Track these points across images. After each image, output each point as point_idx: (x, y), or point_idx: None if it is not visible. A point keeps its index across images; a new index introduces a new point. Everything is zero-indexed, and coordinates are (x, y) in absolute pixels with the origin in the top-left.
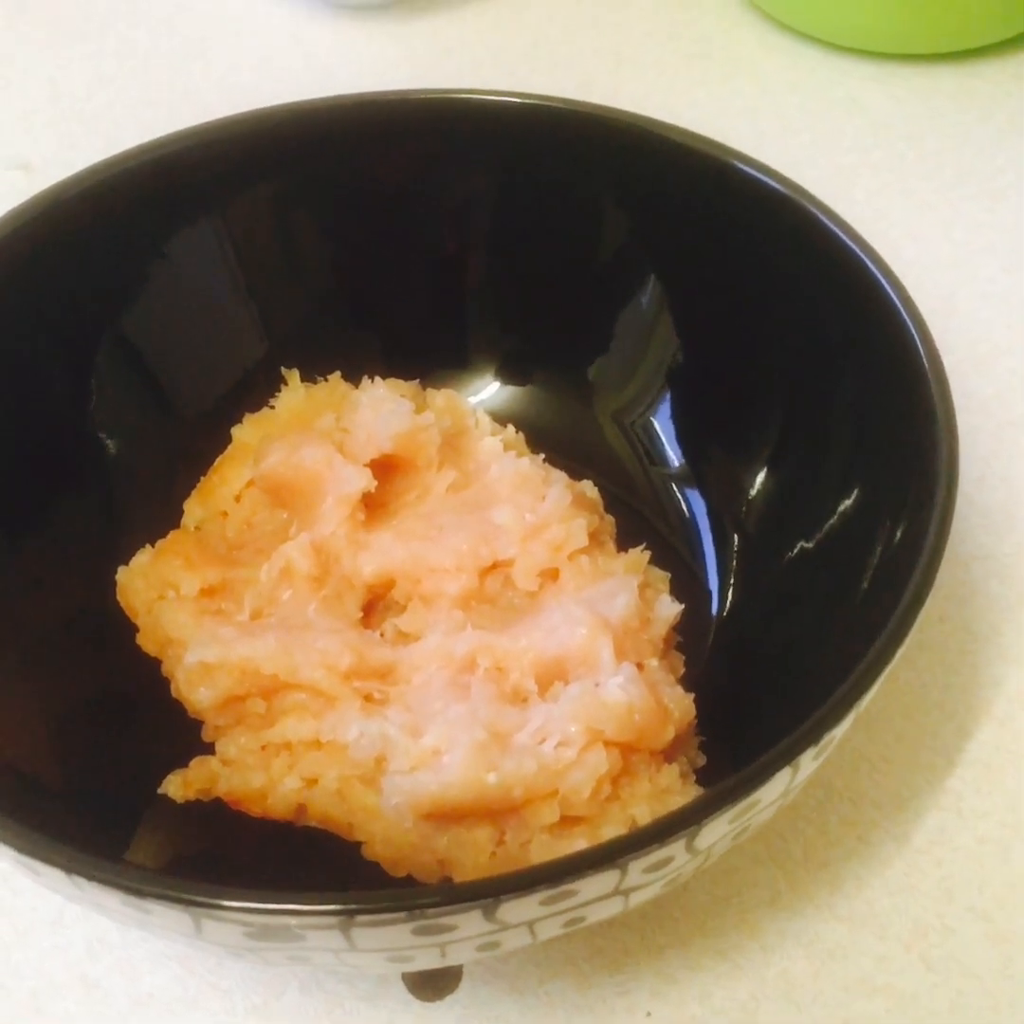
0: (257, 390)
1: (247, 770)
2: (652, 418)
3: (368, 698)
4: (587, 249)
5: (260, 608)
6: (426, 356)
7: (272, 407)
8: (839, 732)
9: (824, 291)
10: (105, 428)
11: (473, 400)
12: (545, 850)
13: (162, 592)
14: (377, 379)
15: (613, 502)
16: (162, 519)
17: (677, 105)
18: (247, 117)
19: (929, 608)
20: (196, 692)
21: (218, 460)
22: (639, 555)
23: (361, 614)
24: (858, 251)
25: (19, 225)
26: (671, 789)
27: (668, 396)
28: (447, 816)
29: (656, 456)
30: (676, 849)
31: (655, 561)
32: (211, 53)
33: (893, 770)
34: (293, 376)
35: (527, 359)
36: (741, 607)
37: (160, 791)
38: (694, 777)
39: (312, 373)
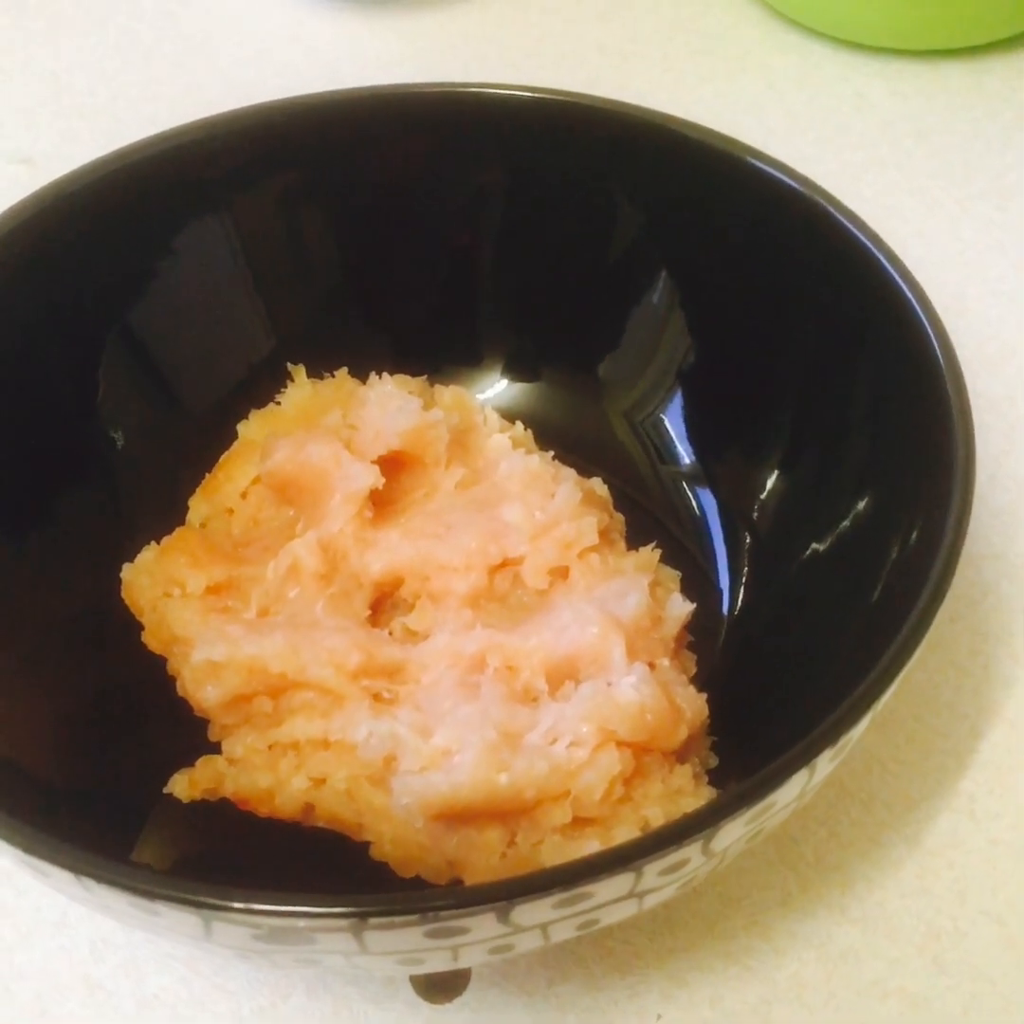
0: (263, 386)
1: (254, 770)
2: (662, 416)
3: (377, 697)
4: (598, 245)
5: (267, 606)
6: (434, 352)
7: (278, 403)
8: (856, 733)
9: (838, 289)
10: (110, 424)
11: (481, 397)
12: (556, 851)
13: (167, 590)
14: (384, 375)
15: (623, 500)
16: (167, 516)
17: (684, 101)
18: (255, 110)
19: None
20: (202, 690)
21: (224, 456)
22: (650, 553)
23: (369, 612)
24: (873, 249)
25: (24, 219)
26: (684, 790)
27: (679, 394)
28: (457, 817)
29: (666, 454)
30: (692, 851)
31: (665, 560)
32: (214, 47)
33: (904, 771)
34: (299, 372)
35: (536, 355)
36: (752, 607)
37: (166, 791)
38: (706, 778)
39: (319, 369)
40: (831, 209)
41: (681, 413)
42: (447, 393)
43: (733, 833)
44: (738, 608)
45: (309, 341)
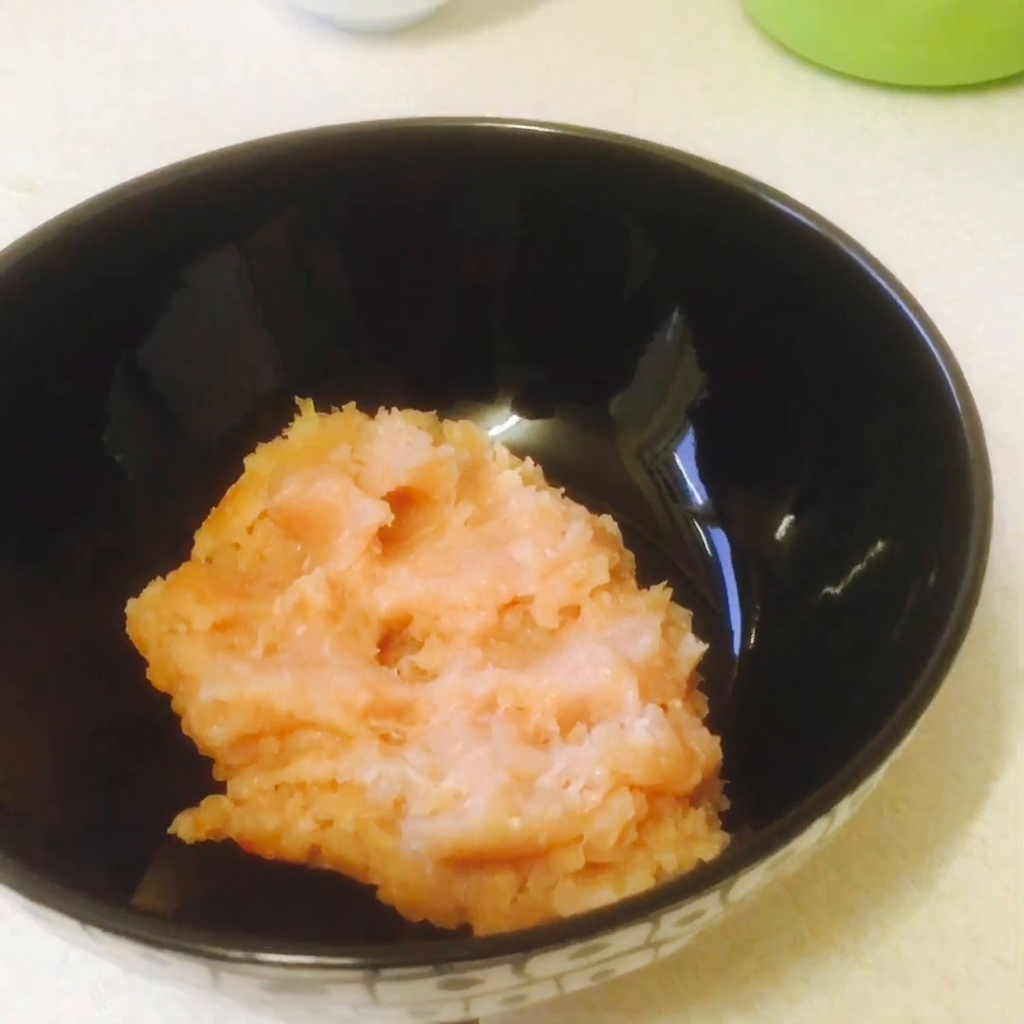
0: (271, 420)
1: (260, 811)
2: (675, 453)
3: (385, 738)
4: (611, 281)
5: (274, 643)
6: (444, 387)
7: (286, 438)
8: (876, 780)
9: (852, 328)
10: (116, 456)
11: (491, 433)
12: (569, 898)
13: (173, 626)
14: (394, 410)
15: (633, 538)
16: (173, 551)
17: (693, 135)
18: (266, 142)
19: None
20: (208, 730)
21: (230, 491)
22: (662, 592)
23: (377, 651)
24: (891, 291)
25: (33, 251)
26: (697, 835)
27: (691, 431)
28: (468, 861)
29: (678, 492)
30: (710, 901)
31: (676, 599)
32: (220, 74)
33: (917, 813)
34: (307, 406)
35: (547, 391)
36: (765, 648)
37: (170, 831)
38: (719, 822)
39: (327, 403)
40: (845, 247)
41: (694, 451)
42: (457, 429)
43: (751, 882)
44: (750, 649)
45: (318, 375)
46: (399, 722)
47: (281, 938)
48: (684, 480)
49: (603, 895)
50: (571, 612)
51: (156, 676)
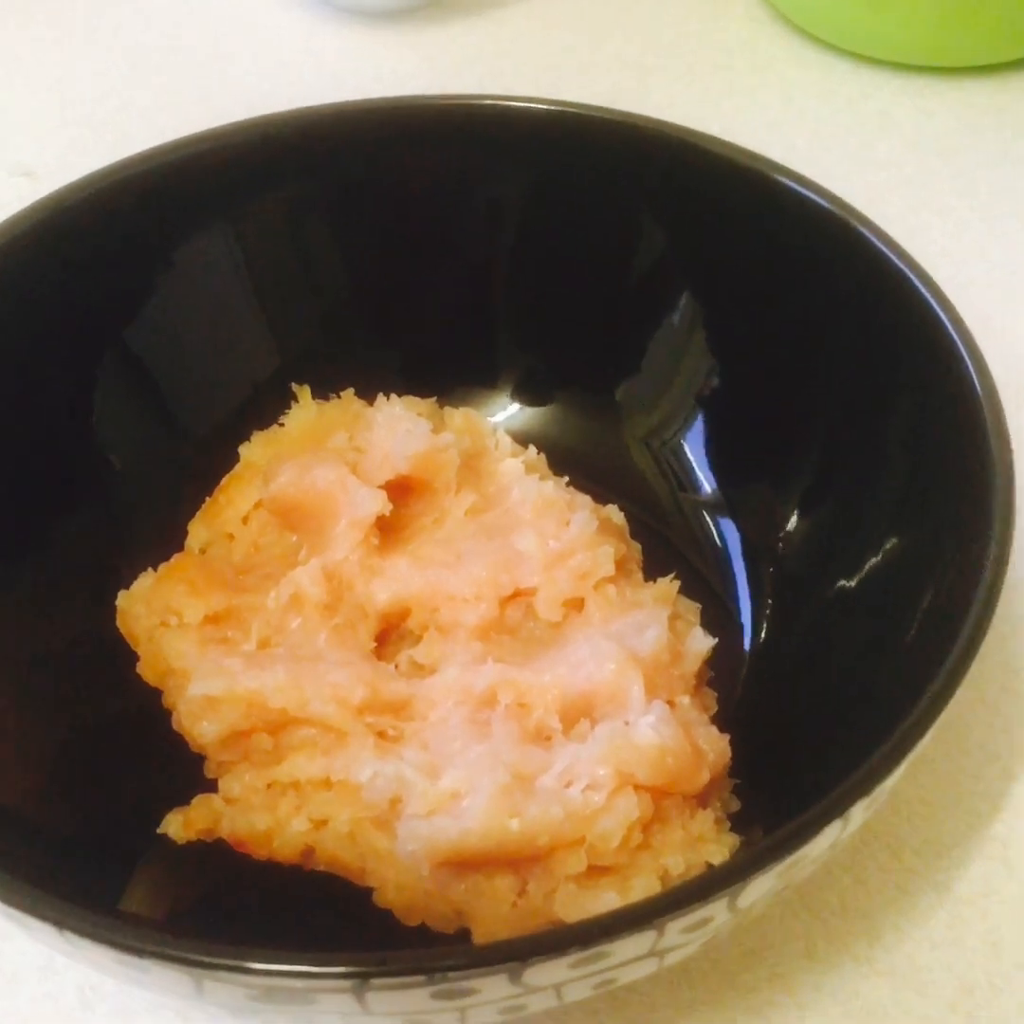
0: (267, 407)
1: (252, 810)
2: (683, 441)
3: (382, 735)
4: (618, 263)
5: (268, 637)
6: (445, 373)
7: (282, 425)
8: (891, 782)
9: (869, 311)
10: (107, 445)
11: (493, 420)
12: (571, 902)
13: (164, 619)
14: (393, 397)
15: (640, 529)
16: (165, 541)
17: (705, 117)
18: (260, 121)
19: None
20: (199, 726)
21: (225, 480)
22: (668, 585)
23: (374, 644)
24: (908, 271)
25: (20, 232)
26: (705, 837)
27: (701, 419)
28: (466, 863)
29: (687, 481)
30: (717, 908)
31: (684, 591)
32: (222, 60)
33: (934, 814)
34: (304, 392)
35: (551, 377)
36: (776, 642)
37: (159, 831)
38: (728, 823)
39: (325, 390)
40: (862, 228)
41: (703, 439)
42: (458, 415)
43: (761, 888)
44: (761, 644)
45: (315, 360)
46: (396, 719)
47: (268, 944)
48: (693, 469)
49: (607, 899)
50: (575, 605)
51: (147, 671)
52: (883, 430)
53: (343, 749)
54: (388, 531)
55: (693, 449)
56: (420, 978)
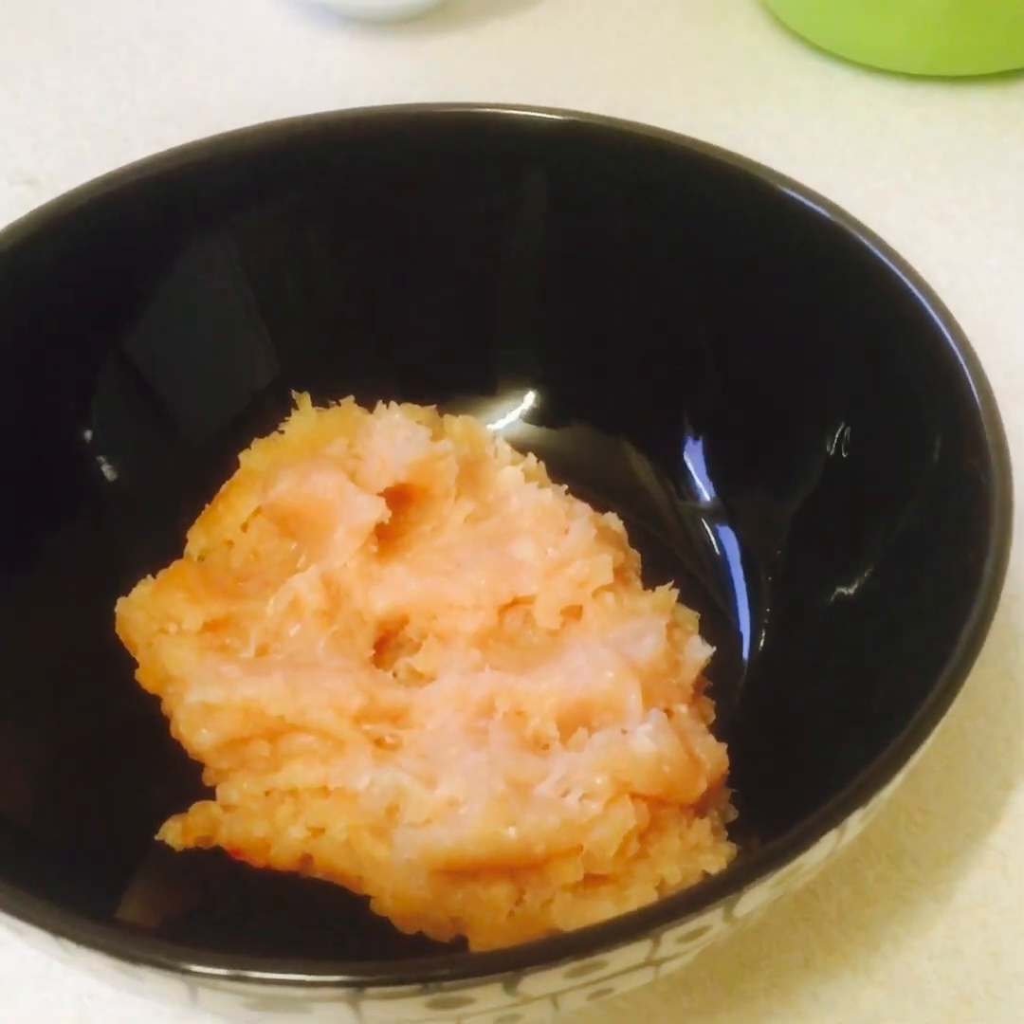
0: (266, 414)
1: (250, 817)
2: (682, 450)
3: (379, 743)
4: (618, 274)
5: (266, 644)
6: (444, 381)
7: (282, 432)
8: (889, 792)
9: (868, 322)
10: (106, 452)
11: (492, 428)
12: (567, 911)
13: (163, 626)
14: (392, 404)
15: (639, 537)
16: (164, 548)
17: (704, 126)
18: (261, 129)
19: None
20: (197, 733)
21: (224, 487)
22: (667, 593)
23: (373, 652)
24: (908, 283)
25: (20, 239)
26: (702, 846)
27: (700, 428)
28: (463, 872)
29: (685, 489)
30: (713, 918)
31: (683, 600)
32: (225, 68)
33: (933, 824)
34: (304, 400)
35: (550, 385)
36: (775, 651)
37: (157, 838)
38: (725, 833)
39: (324, 397)
40: (861, 237)
41: (701, 447)
42: (457, 424)
43: (757, 898)
44: (759, 652)
45: (314, 368)
46: (393, 726)
47: (263, 953)
48: (692, 477)
49: (603, 908)
50: (573, 613)
51: (145, 678)
52: (881, 439)
53: (341, 757)
54: (387, 539)
55: (692, 457)
56: (415, 987)
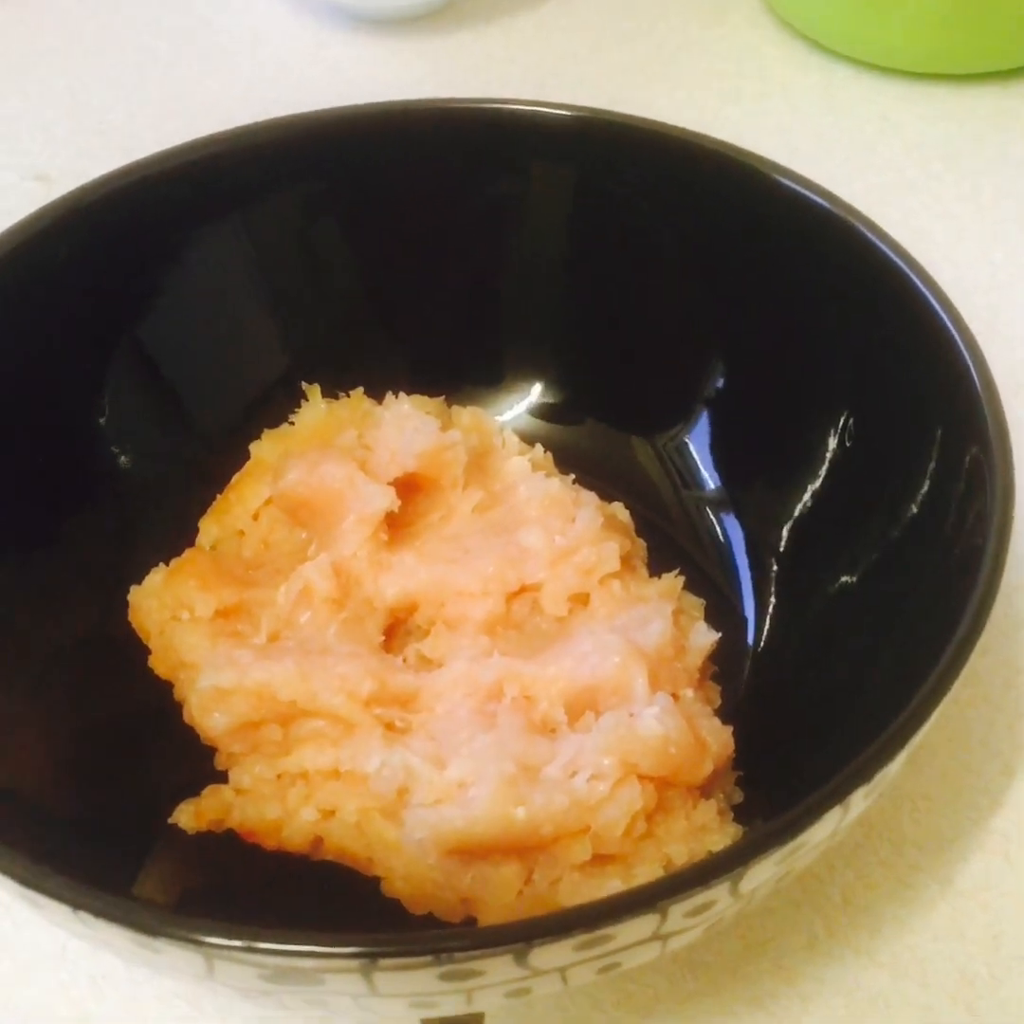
0: (277, 405)
1: (262, 800)
2: (687, 439)
3: (389, 726)
4: (624, 265)
5: (277, 631)
6: (453, 372)
7: (292, 423)
8: (892, 770)
9: (872, 313)
10: (119, 442)
11: (500, 418)
12: (575, 890)
13: (176, 613)
14: (401, 395)
15: (645, 525)
16: (177, 537)
17: (708, 123)
18: (272, 123)
19: None
20: (210, 718)
21: (235, 477)
22: (673, 580)
23: (382, 638)
24: (916, 278)
25: (34, 233)
26: (708, 827)
27: (705, 417)
28: (472, 852)
29: (691, 479)
30: (720, 892)
31: (688, 587)
32: (232, 67)
33: (935, 809)
34: (314, 391)
35: (557, 376)
36: (779, 636)
37: (171, 821)
38: (731, 814)
39: (334, 388)
40: (867, 232)
41: (707, 437)
42: (465, 414)
43: (762, 874)
44: (764, 638)
45: (325, 359)
46: (403, 711)
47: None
48: (697, 467)
49: (611, 887)
50: (580, 600)
51: (158, 664)
52: (885, 429)
53: (351, 740)
54: (396, 527)
55: (697, 447)
56: (428, 959)
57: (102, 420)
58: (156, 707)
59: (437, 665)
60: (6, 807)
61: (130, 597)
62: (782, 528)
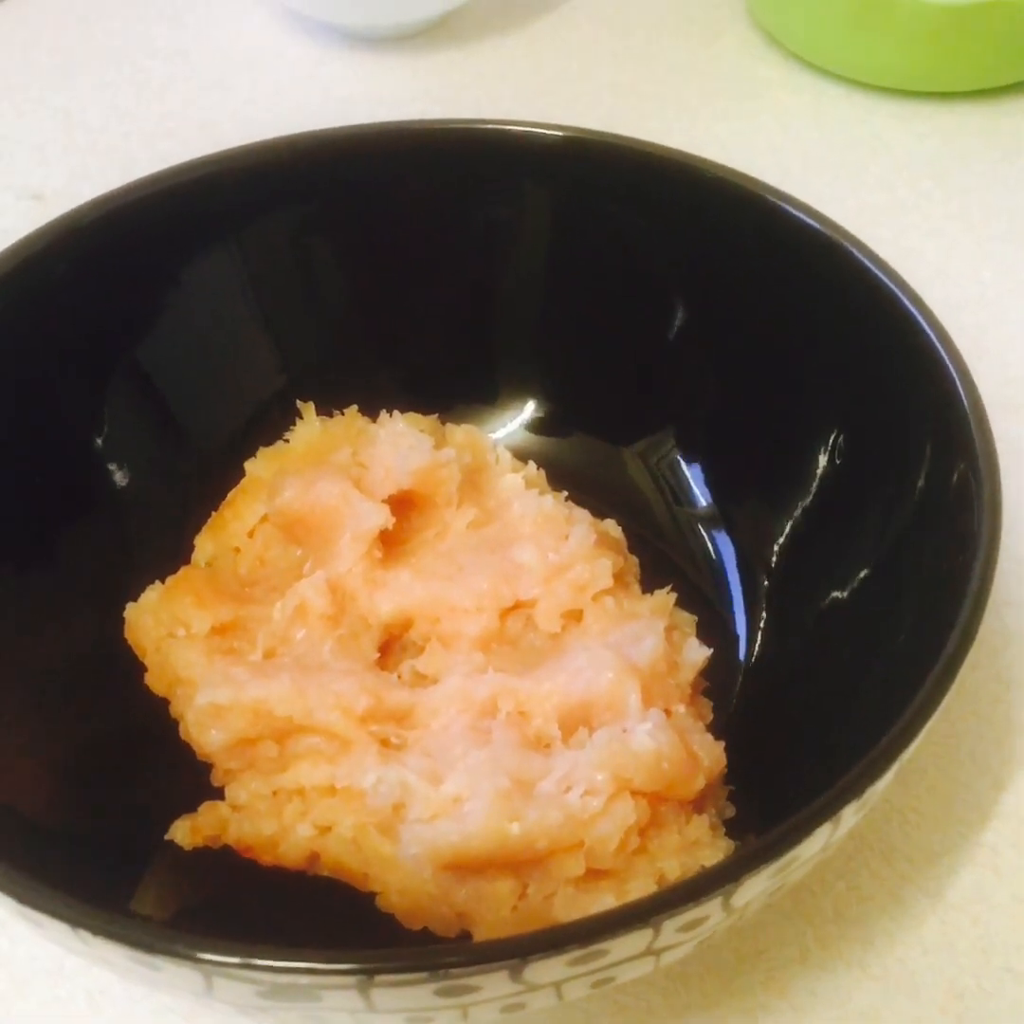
0: (272, 423)
1: (258, 817)
2: (679, 457)
3: (385, 743)
4: (617, 283)
5: (273, 647)
6: (447, 390)
7: (287, 441)
8: (882, 785)
9: (862, 332)
10: (116, 460)
11: (494, 436)
12: (569, 904)
13: (172, 630)
14: (396, 413)
15: (637, 542)
16: (173, 555)
17: (699, 141)
18: (267, 144)
19: None
20: (206, 734)
21: (231, 494)
22: (665, 597)
23: (378, 655)
24: (904, 297)
25: (31, 253)
26: (701, 842)
27: (697, 435)
28: (467, 867)
29: (682, 496)
30: (712, 907)
31: (681, 603)
32: (227, 85)
33: (925, 823)
34: (308, 409)
35: (550, 394)
36: (770, 652)
37: (167, 837)
38: (723, 829)
39: (329, 406)
40: (855, 251)
41: (699, 454)
42: (459, 432)
43: (755, 888)
44: (755, 654)
45: (319, 378)
46: (399, 727)
47: (273, 945)
48: (689, 484)
49: (604, 902)
50: (574, 616)
51: (154, 681)
52: (873, 444)
53: (347, 756)
54: (391, 544)
55: (689, 464)
56: (423, 974)
57: (98, 438)
58: (152, 724)
59: (432, 681)
60: (2, 824)
61: (126, 614)
62: (773, 544)
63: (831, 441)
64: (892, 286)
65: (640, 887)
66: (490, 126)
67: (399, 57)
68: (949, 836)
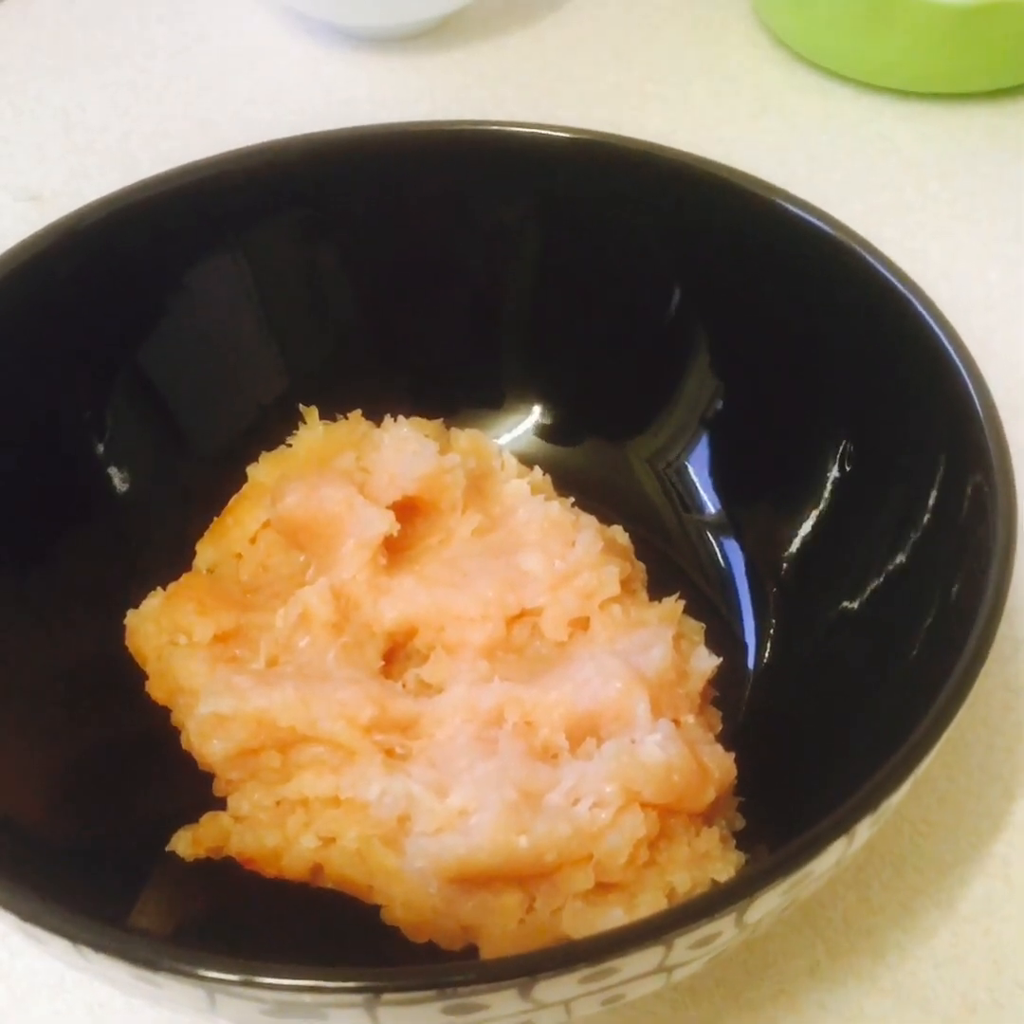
0: (275, 428)
1: (261, 827)
2: (687, 462)
3: (389, 753)
4: (624, 287)
5: (276, 655)
6: (451, 395)
7: (290, 446)
8: (897, 799)
9: (872, 336)
10: (117, 465)
11: (499, 441)
12: (578, 918)
13: (173, 637)
14: (400, 418)
15: (645, 549)
16: (174, 561)
17: (705, 142)
18: (270, 146)
19: None
20: (208, 744)
21: (233, 500)
22: (673, 605)
23: (382, 663)
24: (913, 298)
25: (32, 255)
26: (711, 854)
27: (705, 440)
28: (474, 880)
29: (691, 502)
30: (725, 924)
31: (689, 611)
32: (228, 85)
33: (936, 833)
34: (311, 413)
35: (556, 398)
36: (780, 661)
37: (169, 848)
38: (733, 841)
39: (332, 411)
40: (864, 252)
41: (707, 460)
42: (464, 437)
43: (768, 904)
44: (764, 663)
45: (322, 382)
46: (403, 737)
47: (280, 960)
48: (697, 490)
49: (613, 916)
50: (580, 624)
51: (156, 689)
52: (885, 451)
53: (351, 767)
54: (395, 551)
55: (697, 470)
56: (431, 993)
57: (98, 443)
58: (153, 733)
59: (437, 690)
60: (2, 836)
61: (127, 621)
62: (783, 552)
63: (841, 448)
64: (906, 291)
65: (649, 901)
66: (495, 128)
67: (402, 57)
68: (960, 847)
